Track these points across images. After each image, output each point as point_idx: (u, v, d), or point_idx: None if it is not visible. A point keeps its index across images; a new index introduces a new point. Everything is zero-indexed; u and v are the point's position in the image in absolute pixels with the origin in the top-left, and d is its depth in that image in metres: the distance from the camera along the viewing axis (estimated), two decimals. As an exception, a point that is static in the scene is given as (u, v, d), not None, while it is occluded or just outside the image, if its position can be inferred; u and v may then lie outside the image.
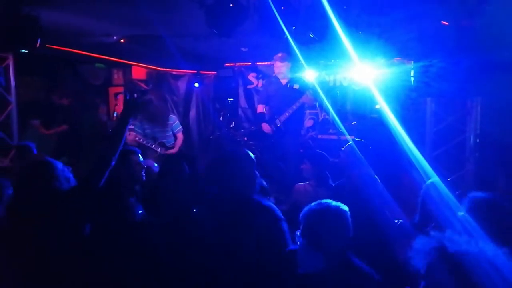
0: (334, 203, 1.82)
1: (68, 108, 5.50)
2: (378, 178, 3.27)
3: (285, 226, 2.06)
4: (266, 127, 4.99)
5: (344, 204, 2.13)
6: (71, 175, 2.35)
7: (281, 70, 4.97)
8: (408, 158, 4.30)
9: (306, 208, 1.82)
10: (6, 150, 4.90)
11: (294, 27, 3.87)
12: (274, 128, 4.94)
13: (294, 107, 4.82)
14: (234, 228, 1.97)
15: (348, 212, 1.81)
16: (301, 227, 1.80)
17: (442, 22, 4.12)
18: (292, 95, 4.89)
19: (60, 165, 2.28)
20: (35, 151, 3.94)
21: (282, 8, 3.59)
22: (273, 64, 5.07)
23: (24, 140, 4.89)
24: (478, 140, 4.55)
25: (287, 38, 4.34)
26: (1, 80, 4.19)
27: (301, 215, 1.82)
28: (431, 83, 4.70)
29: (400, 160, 4.42)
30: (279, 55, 4.96)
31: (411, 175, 4.18)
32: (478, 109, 4.52)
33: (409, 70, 5.12)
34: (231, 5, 3.45)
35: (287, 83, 5.01)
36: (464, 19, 4.04)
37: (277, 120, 4.92)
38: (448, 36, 4.13)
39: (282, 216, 2.12)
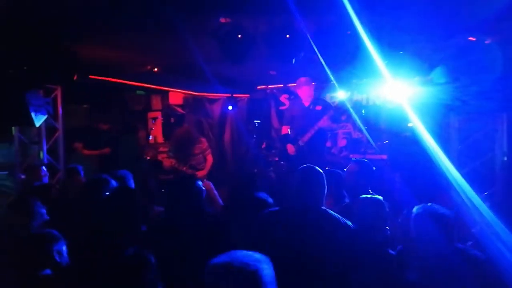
0: (244, 254, 1.35)
1: (110, 132, 5.87)
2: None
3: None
4: (290, 148, 5.05)
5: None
6: None
7: (305, 93, 5.05)
8: (444, 177, 4.13)
9: (210, 263, 1.38)
10: (53, 173, 5.29)
11: (302, 53, 3.96)
12: (297, 149, 4.98)
13: (316, 127, 4.85)
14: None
15: (262, 269, 1.34)
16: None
17: (470, 38, 4.02)
18: (314, 116, 4.93)
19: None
20: (82, 174, 4.22)
21: (287, 36, 3.70)
22: (296, 88, 5.16)
23: (69, 162, 5.29)
24: (505, 158, 4.32)
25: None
26: (49, 109, 4.59)
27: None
28: (471, 101, 4.54)
29: (435, 180, 4.26)
30: (302, 80, 5.04)
31: (448, 194, 4.01)
32: (505, 126, 4.32)
33: (445, 88, 4.97)
34: (239, 35, 3.61)
35: (309, 105, 5.07)
36: (491, 36, 3.92)
37: (300, 140, 4.96)
38: (477, 53, 4.03)
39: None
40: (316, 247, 2.20)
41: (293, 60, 3.98)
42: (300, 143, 4.95)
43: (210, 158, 5.10)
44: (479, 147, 4.52)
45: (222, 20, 3.58)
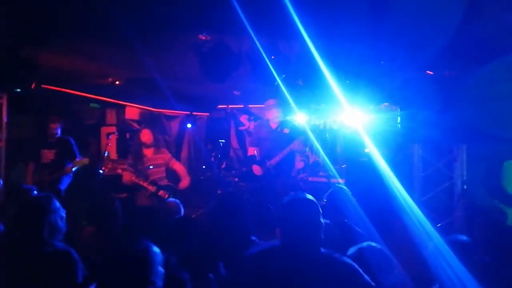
0: None
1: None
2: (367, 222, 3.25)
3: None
4: (257, 169, 5.03)
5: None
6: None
7: (273, 116, 5.09)
8: (398, 203, 4.31)
9: None
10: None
11: (284, 75, 4.00)
12: (264, 170, 4.98)
13: (285, 152, 4.87)
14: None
15: None
16: None
17: (428, 72, 4.31)
18: (283, 139, 4.96)
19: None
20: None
21: (272, 57, 3.73)
22: (264, 110, 5.19)
23: (11, 177, 4.83)
24: (465, 187, 4.63)
25: (278, 83, 4.49)
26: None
27: None
28: (417, 129, 4.85)
29: (391, 205, 4.43)
30: (271, 102, 5.08)
31: (402, 220, 4.17)
32: (464, 156, 4.64)
33: (396, 116, 5.27)
34: (224, 53, 3.60)
35: (277, 127, 5.10)
36: (447, 70, 4.23)
37: (268, 163, 4.96)
38: (432, 85, 4.32)
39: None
40: None
41: (276, 82, 4.01)
42: (268, 165, 4.94)
43: (179, 166, 4.96)
44: (439, 176, 4.79)
45: (202, 37, 3.53)
